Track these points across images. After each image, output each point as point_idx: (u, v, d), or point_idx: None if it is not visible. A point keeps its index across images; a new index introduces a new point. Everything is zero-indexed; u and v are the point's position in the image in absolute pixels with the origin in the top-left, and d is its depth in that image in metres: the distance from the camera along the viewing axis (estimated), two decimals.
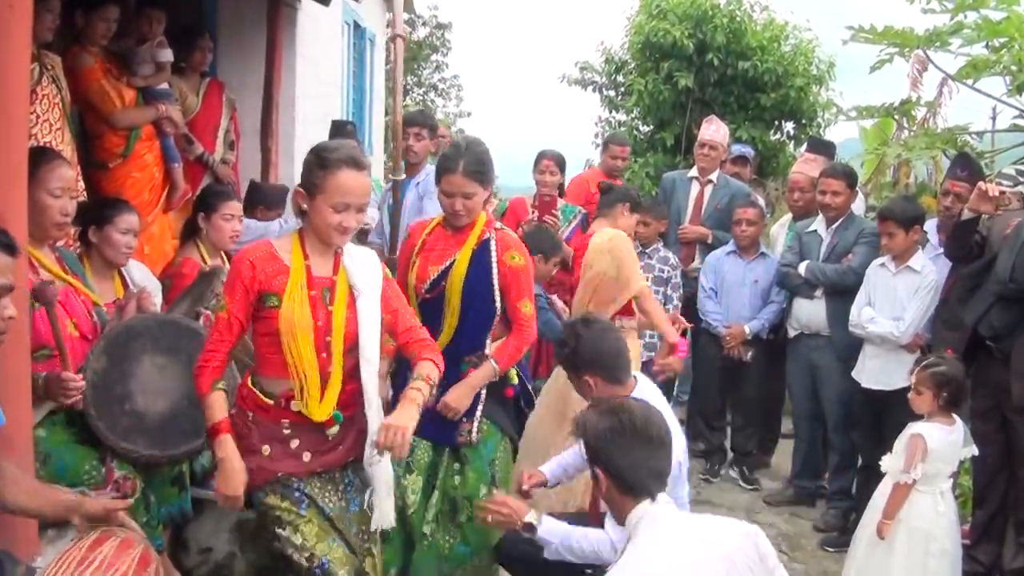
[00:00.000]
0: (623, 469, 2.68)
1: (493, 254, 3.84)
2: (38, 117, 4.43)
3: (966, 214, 4.77)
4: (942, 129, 7.18)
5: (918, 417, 4.32)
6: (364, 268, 3.15)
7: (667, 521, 2.65)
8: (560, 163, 6.55)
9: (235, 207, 4.95)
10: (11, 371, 2.93)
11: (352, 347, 3.08)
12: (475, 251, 3.85)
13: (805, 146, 7.70)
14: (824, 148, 6.77)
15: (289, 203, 6.69)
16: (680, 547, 2.57)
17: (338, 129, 6.55)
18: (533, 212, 6.42)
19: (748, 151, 7.86)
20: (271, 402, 3.08)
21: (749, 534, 2.62)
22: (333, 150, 3.04)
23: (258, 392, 3.10)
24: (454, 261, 3.83)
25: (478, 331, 3.90)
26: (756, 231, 6.26)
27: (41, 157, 3.52)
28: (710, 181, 6.86)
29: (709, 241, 6.72)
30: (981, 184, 4.73)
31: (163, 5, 5.62)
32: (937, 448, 4.16)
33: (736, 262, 6.32)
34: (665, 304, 6.20)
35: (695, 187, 6.91)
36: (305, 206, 3.05)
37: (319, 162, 3.01)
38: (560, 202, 6.50)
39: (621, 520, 2.74)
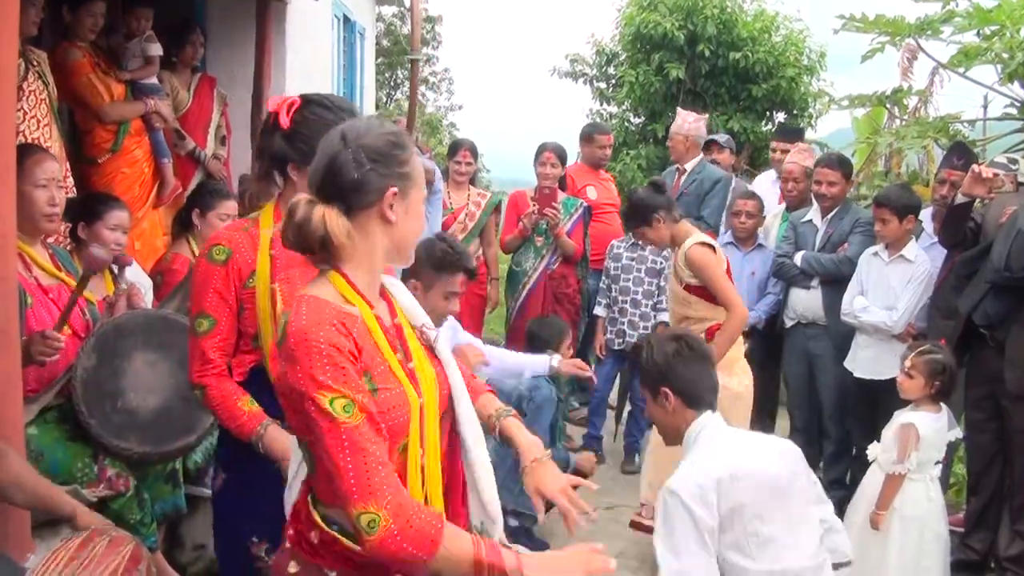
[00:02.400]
0: (688, 383, 3.11)
1: None
2: (25, 113, 4.41)
3: (959, 198, 4.77)
4: (934, 118, 7.17)
5: (906, 404, 4.33)
6: (406, 294, 2.27)
7: (726, 427, 3.12)
8: (561, 156, 6.56)
9: (231, 207, 4.94)
10: (4, 369, 2.91)
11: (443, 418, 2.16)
12: None
13: (775, 134, 7.74)
14: (794, 135, 6.81)
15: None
16: (750, 441, 3.17)
17: None
18: (533, 205, 6.40)
19: (720, 136, 7.84)
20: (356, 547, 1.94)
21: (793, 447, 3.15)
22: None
23: (343, 538, 1.95)
24: None
25: None
26: (755, 223, 6.25)
27: (25, 152, 3.49)
28: (685, 169, 6.92)
29: None
30: (975, 167, 4.73)
31: (151, 2, 5.59)
32: (927, 435, 4.17)
33: (733, 253, 6.30)
34: (657, 295, 6.21)
35: (674, 176, 7.00)
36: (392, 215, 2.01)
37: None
38: (561, 195, 6.49)
39: (679, 437, 3.14)
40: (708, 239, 4.82)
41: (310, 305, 1.90)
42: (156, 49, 5.54)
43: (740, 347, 4.85)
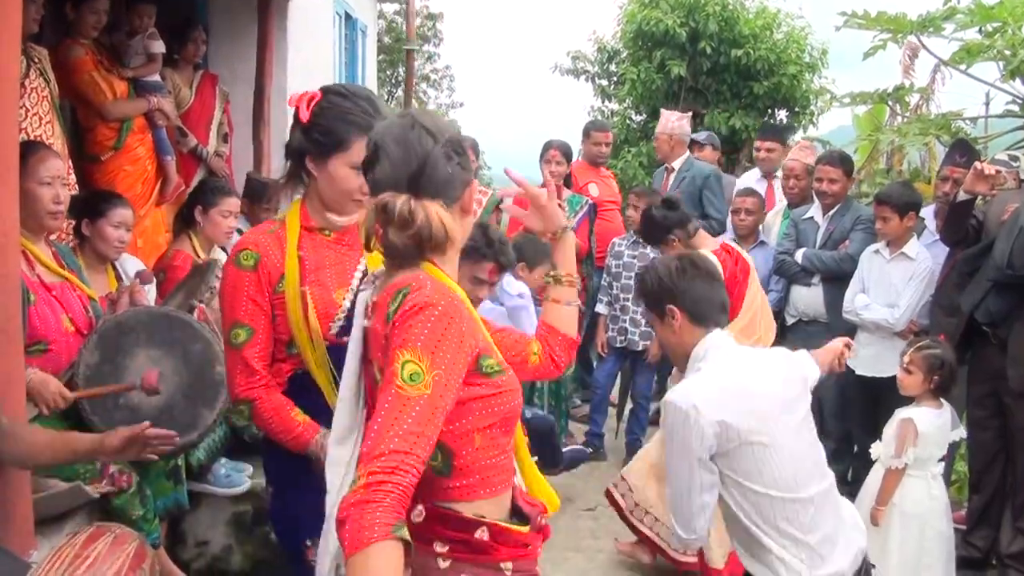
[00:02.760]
0: (695, 300, 3.02)
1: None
2: (27, 111, 4.40)
3: (961, 195, 4.77)
4: (936, 115, 7.17)
5: (908, 402, 4.33)
6: None
7: (734, 345, 3.04)
8: (567, 153, 6.60)
9: (233, 204, 4.94)
10: (5, 368, 2.92)
11: None
12: None
13: (759, 133, 7.76)
14: (776, 133, 6.83)
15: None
16: (759, 358, 3.10)
17: None
18: None
19: (699, 135, 7.81)
20: (527, 530, 2.04)
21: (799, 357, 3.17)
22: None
23: (508, 525, 2.00)
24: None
25: None
26: (755, 220, 6.25)
27: (29, 149, 3.50)
28: (673, 168, 6.99)
29: None
30: (977, 164, 4.73)
31: None
32: (927, 432, 4.16)
33: None
34: None
35: (663, 176, 7.14)
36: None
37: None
38: (566, 192, 6.50)
39: (685, 360, 3.05)
40: (721, 245, 4.81)
41: (434, 282, 1.90)
42: (159, 46, 5.54)
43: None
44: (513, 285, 4.96)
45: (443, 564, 1.93)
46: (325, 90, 2.53)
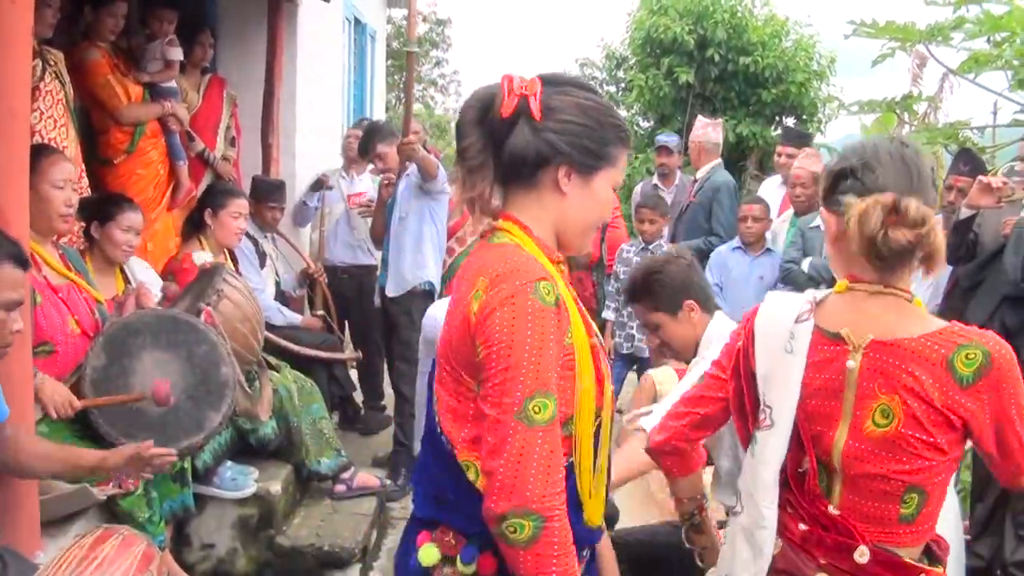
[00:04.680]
0: (704, 288, 3.18)
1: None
2: (42, 113, 4.42)
3: (964, 212, 4.76)
4: (944, 124, 7.16)
5: None
6: None
7: (731, 323, 3.03)
8: None
9: (242, 205, 4.98)
10: (14, 368, 2.93)
11: None
12: None
13: (781, 138, 7.72)
14: (799, 139, 6.82)
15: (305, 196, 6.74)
16: None
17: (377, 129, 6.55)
18: None
19: (669, 140, 7.60)
20: None
21: None
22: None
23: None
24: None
25: None
26: (762, 227, 6.26)
27: (42, 152, 3.52)
28: (697, 178, 7.04)
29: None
30: (981, 177, 4.73)
31: (172, 3, 5.62)
32: None
33: (741, 258, 6.31)
34: None
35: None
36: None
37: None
38: None
39: (695, 348, 3.12)
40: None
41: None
42: (177, 53, 5.54)
43: None
44: None
45: None
46: (547, 80, 1.91)
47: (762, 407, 2.05)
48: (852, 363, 1.93)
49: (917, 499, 1.93)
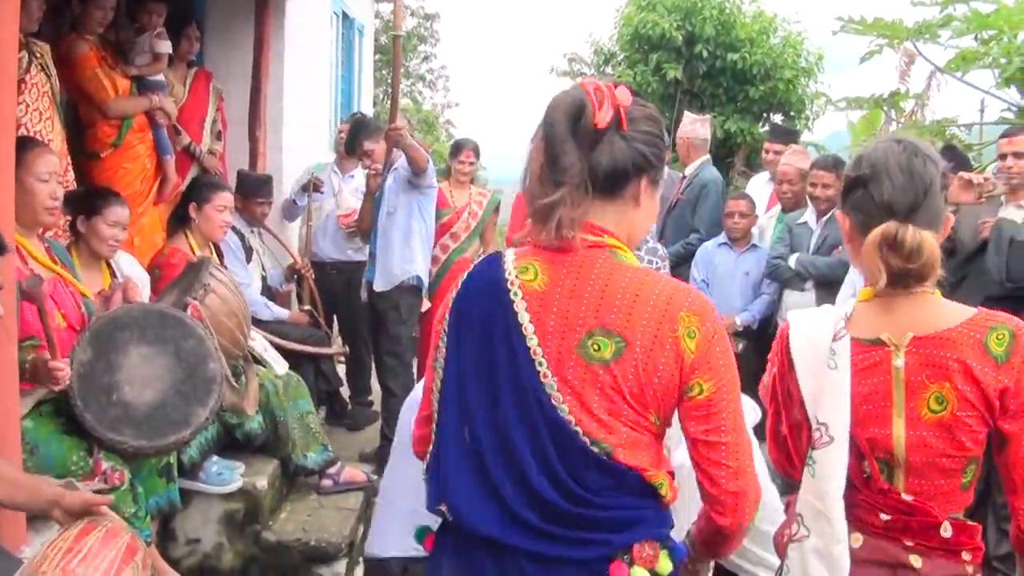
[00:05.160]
0: None
1: None
2: (28, 106, 4.39)
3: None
4: (930, 121, 7.19)
5: None
6: None
7: None
8: None
9: (227, 198, 4.96)
10: None
11: None
12: None
13: (768, 134, 7.72)
14: (787, 136, 6.84)
15: (292, 191, 6.71)
16: None
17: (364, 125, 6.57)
18: None
19: None
20: None
21: None
22: None
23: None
24: None
25: None
26: (748, 223, 6.28)
27: (26, 145, 3.50)
28: (685, 175, 6.95)
29: None
30: (962, 174, 4.75)
31: None
32: None
33: (727, 254, 6.33)
34: None
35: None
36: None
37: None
38: None
39: None
40: None
41: None
42: (166, 46, 5.50)
43: None
44: None
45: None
46: (630, 89, 1.92)
47: (815, 426, 2.10)
48: (899, 362, 2.07)
49: (973, 468, 2.12)
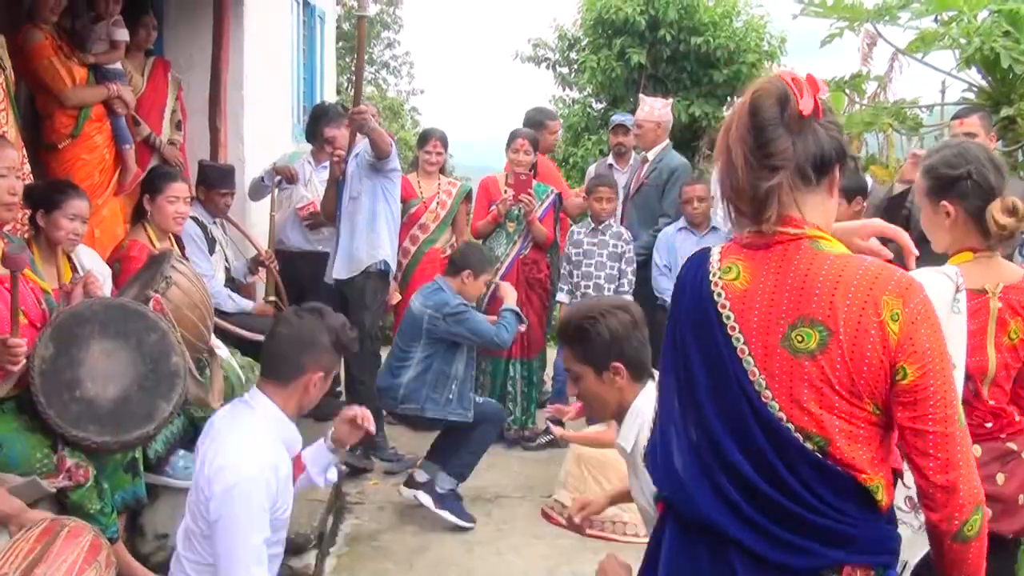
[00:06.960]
0: (639, 355, 2.90)
1: None
2: None
3: (897, 187, 4.83)
4: (892, 103, 7.24)
5: None
6: None
7: None
8: (534, 142, 6.56)
9: (180, 189, 4.91)
10: None
11: None
12: None
13: None
14: None
15: (253, 183, 6.65)
16: None
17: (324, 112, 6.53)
18: (507, 191, 6.41)
19: (626, 119, 7.40)
20: None
21: None
22: None
23: None
24: None
25: None
26: (706, 207, 6.35)
27: None
28: (648, 159, 6.93)
29: None
30: (914, 151, 4.80)
31: None
32: None
33: (688, 238, 6.37)
34: (619, 279, 6.24)
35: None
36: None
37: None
38: (532, 181, 6.50)
39: (619, 414, 2.95)
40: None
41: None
42: (123, 34, 5.45)
43: None
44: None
45: None
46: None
47: None
48: (997, 304, 2.76)
49: None
